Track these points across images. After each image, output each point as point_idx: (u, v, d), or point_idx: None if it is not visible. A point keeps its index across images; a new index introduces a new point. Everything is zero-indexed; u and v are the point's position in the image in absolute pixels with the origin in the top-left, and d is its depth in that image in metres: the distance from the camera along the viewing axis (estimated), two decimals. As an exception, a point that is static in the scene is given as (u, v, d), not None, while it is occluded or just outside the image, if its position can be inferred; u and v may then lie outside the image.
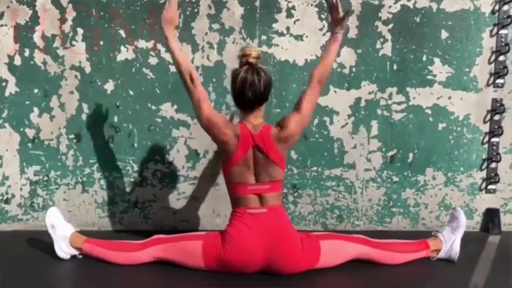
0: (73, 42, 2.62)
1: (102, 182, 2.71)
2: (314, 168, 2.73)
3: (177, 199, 2.73)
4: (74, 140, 2.68)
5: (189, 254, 2.07)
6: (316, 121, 2.70)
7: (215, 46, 2.64)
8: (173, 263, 2.12)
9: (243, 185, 2.09)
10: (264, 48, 2.64)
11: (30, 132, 2.66)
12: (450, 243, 2.23)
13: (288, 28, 2.64)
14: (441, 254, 2.24)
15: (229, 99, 2.67)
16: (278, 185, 2.13)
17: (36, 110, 2.65)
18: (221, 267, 2.04)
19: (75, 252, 2.21)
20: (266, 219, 2.05)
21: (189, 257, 2.07)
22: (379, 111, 2.70)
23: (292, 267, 2.04)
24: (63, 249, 2.20)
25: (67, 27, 2.61)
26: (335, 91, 2.68)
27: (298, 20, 2.64)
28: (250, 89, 2.03)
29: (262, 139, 2.06)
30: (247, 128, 2.07)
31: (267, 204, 2.08)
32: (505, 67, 2.67)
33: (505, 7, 2.65)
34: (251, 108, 2.09)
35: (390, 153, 2.73)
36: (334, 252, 2.10)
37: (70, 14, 2.60)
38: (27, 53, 2.61)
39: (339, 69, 2.67)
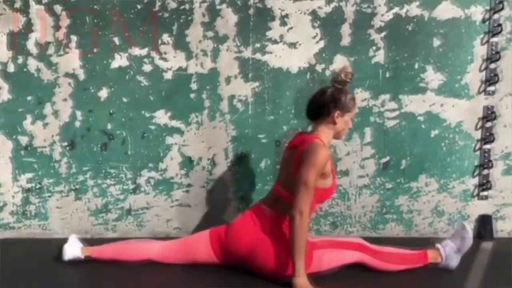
0: (67, 49, 2.62)
1: (96, 189, 2.70)
2: (308, 175, 2.73)
3: (171, 207, 2.72)
4: (68, 148, 2.67)
5: (196, 241, 2.22)
6: (310, 128, 2.70)
7: (209, 54, 2.65)
8: (178, 259, 2.20)
9: (275, 182, 2.26)
10: (258, 55, 2.66)
11: (23, 140, 2.65)
12: (450, 261, 2.22)
13: (281, 36, 2.66)
14: (439, 265, 2.23)
15: (223, 106, 2.68)
16: (290, 197, 2.07)
17: (29, 117, 2.64)
18: (221, 251, 2.17)
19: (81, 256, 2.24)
20: (266, 219, 2.12)
21: (196, 243, 2.21)
22: (372, 118, 2.72)
23: (269, 270, 2.09)
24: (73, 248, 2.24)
25: (61, 34, 2.61)
26: (328, 99, 2.70)
27: (291, 28, 2.65)
28: (309, 104, 2.18)
29: (294, 146, 2.15)
30: (299, 134, 2.27)
31: (277, 208, 2.13)
32: (496, 74, 2.70)
33: (496, 16, 2.68)
34: (309, 119, 2.21)
35: (383, 160, 2.75)
36: (328, 259, 2.12)
37: (64, 21, 2.60)
38: (20, 60, 2.61)
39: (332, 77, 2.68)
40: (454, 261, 2.21)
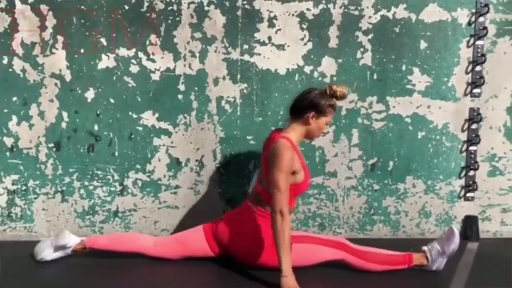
0: (53, 50, 2.59)
1: (82, 191, 2.67)
2: (296, 177, 2.73)
3: (158, 208, 2.71)
4: (54, 149, 2.64)
5: (191, 234, 2.30)
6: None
7: (197, 55, 2.64)
8: (172, 251, 2.27)
9: None
10: (246, 57, 2.66)
11: (8, 141, 2.62)
12: (436, 264, 2.22)
13: (270, 38, 2.66)
14: (424, 268, 2.23)
15: (211, 107, 2.68)
16: (266, 195, 2.12)
17: (14, 118, 2.61)
18: (215, 243, 2.26)
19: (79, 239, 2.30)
20: (250, 213, 2.20)
21: (191, 236, 2.28)
22: (359, 120, 2.73)
23: (251, 260, 2.19)
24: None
25: (47, 34, 2.58)
26: (316, 100, 2.71)
27: (279, 29, 2.66)
28: (293, 100, 2.23)
29: (268, 142, 2.21)
30: (274, 131, 2.30)
31: (258, 203, 2.19)
32: (482, 77, 2.73)
33: (481, 19, 2.71)
34: (289, 114, 2.23)
35: (371, 162, 2.76)
36: (306, 254, 2.14)
37: (50, 22, 2.58)
38: (5, 60, 2.58)
39: (320, 78, 2.69)
40: (440, 264, 2.22)
